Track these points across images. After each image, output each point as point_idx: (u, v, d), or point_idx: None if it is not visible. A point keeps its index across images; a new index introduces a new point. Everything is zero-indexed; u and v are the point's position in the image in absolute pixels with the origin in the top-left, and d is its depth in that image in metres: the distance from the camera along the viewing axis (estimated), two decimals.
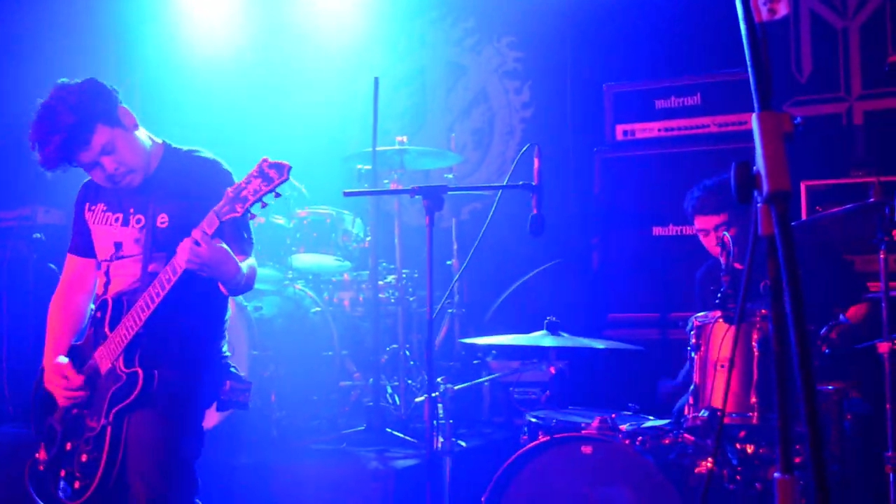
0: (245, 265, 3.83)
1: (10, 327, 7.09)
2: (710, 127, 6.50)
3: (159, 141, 4.07)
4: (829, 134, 7.01)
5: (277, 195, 3.58)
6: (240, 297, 5.61)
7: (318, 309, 6.53)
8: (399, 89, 8.81)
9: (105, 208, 4.02)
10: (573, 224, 7.24)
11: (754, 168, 1.71)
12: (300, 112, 8.60)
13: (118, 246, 3.95)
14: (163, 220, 3.88)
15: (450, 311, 6.81)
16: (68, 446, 3.93)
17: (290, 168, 3.56)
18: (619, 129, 6.78)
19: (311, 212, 6.61)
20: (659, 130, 6.65)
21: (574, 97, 7.89)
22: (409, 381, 6.32)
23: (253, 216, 3.70)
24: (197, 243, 3.55)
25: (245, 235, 3.98)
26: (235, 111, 8.60)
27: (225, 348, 4.10)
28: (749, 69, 1.72)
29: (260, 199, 3.54)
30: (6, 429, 6.32)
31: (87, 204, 4.10)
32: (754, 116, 1.70)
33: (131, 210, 3.94)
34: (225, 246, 3.64)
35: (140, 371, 3.75)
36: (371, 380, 6.15)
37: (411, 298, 6.54)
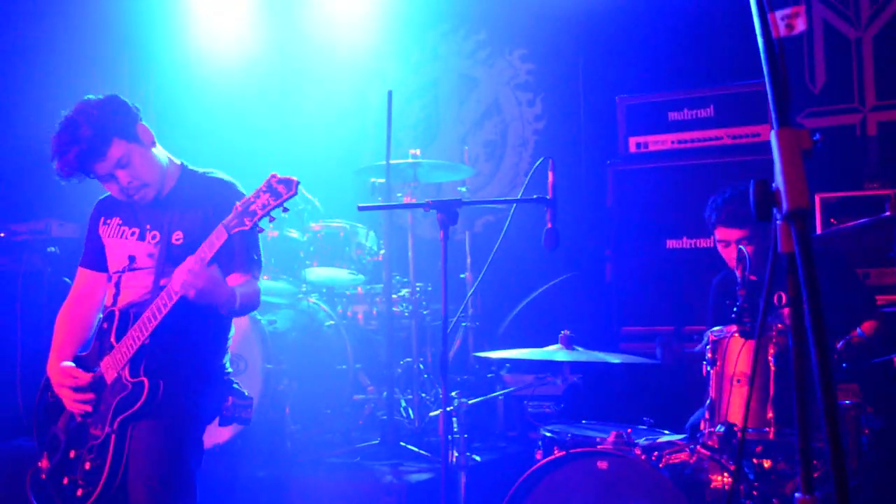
0: (244, 289, 3.91)
1: (25, 341, 7.09)
2: (724, 139, 6.49)
3: (178, 162, 4.17)
4: (843, 145, 6.99)
5: (285, 210, 3.66)
6: (254, 311, 5.63)
7: (332, 322, 6.53)
8: (412, 101, 8.82)
9: (121, 222, 4.13)
10: (586, 237, 7.22)
11: (773, 185, 1.70)
12: (313, 124, 8.62)
13: (132, 259, 4.05)
14: (178, 237, 3.97)
15: (464, 324, 6.79)
16: (72, 454, 3.97)
17: (298, 183, 3.64)
18: (632, 141, 6.77)
19: (324, 225, 6.62)
20: (672, 143, 6.64)
21: (587, 109, 7.88)
22: (423, 395, 6.31)
23: (261, 230, 3.74)
24: (192, 271, 3.62)
25: (255, 256, 4.06)
26: (248, 123, 8.62)
27: (228, 365, 4.17)
28: (767, 85, 1.71)
29: (268, 214, 3.62)
30: (21, 441, 6.33)
31: (103, 218, 4.20)
32: (773, 133, 1.69)
33: (148, 226, 4.05)
34: (219, 274, 3.72)
35: (146, 380, 3.81)
36: (385, 393, 6.14)
37: (425, 312, 6.53)
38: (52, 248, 7.25)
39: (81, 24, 8.38)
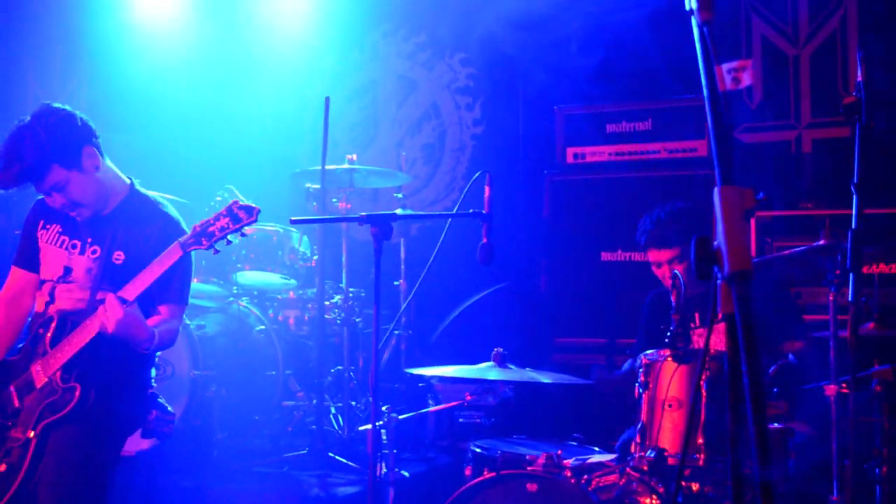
0: (166, 325, 3.98)
1: None
2: (661, 153, 6.49)
3: (126, 181, 4.20)
4: (778, 161, 7.04)
5: (243, 234, 3.83)
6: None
7: (263, 327, 6.43)
8: (350, 102, 8.72)
9: (61, 230, 4.13)
10: (522, 246, 7.20)
11: (715, 243, 1.66)
12: (249, 125, 8.51)
13: (67, 270, 4.05)
14: (118, 256, 4.01)
15: (396, 332, 6.74)
16: None
17: (259, 211, 3.80)
18: (570, 151, 6.75)
19: (257, 229, 6.50)
20: (609, 154, 6.63)
21: (526, 117, 7.87)
22: (354, 403, 6.25)
23: (217, 252, 3.84)
24: (114, 308, 3.67)
25: (184, 287, 4.12)
26: (183, 123, 8.49)
27: (153, 379, 4.19)
28: (710, 140, 1.67)
29: (225, 237, 3.79)
30: None
31: (42, 222, 4.19)
32: (716, 190, 1.65)
33: (89, 240, 4.07)
34: (139, 315, 3.78)
35: (78, 386, 3.82)
36: (315, 400, 6.06)
37: (357, 319, 6.47)
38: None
39: (17, 10, 8.23)
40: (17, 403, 3.91)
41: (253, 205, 3.79)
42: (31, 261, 4.20)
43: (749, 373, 1.65)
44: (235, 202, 3.79)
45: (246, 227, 3.79)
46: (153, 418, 4.05)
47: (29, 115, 3.94)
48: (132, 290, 3.74)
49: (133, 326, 3.73)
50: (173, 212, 4.20)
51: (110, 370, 3.91)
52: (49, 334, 3.92)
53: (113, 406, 3.91)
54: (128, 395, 4.00)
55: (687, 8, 1.79)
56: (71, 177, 3.91)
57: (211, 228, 3.77)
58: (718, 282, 1.65)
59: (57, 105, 3.98)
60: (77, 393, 3.80)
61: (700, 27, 1.73)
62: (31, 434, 3.80)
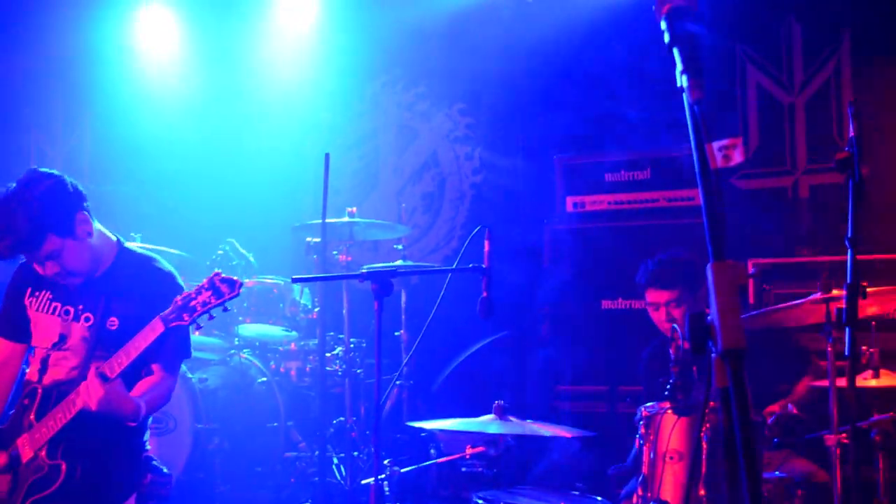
0: (155, 391, 3.90)
1: None
2: (660, 201, 6.52)
3: (114, 239, 4.11)
4: (775, 207, 7.09)
5: (226, 310, 3.69)
6: (184, 368, 5.56)
7: (265, 379, 6.46)
8: (351, 151, 8.79)
9: (51, 297, 4.04)
10: (522, 295, 7.22)
11: (708, 318, 1.70)
12: (249, 178, 8.56)
13: (62, 338, 3.97)
14: (112, 322, 3.93)
15: (398, 382, 6.75)
16: None
17: (241, 284, 3.68)
18: (570, 200, 6.78)
19: (258, 282, 6.57)
20: (609, 203, 6.66)
21: (525, 166, 7.92)
22: (356, 454, 6.25)
23: (199, 327, 3.74)
24: (95, 386, 3.58)
25: (182, 351, 4.06)
26: (184, 176, 8.56)
27: (147, 443, 4.12)
28: (703, 217, 1.71)
29: (208, 311, 3.64)
30: None
31: (30, 289, 4.10)
32: (708, 267, 1.69)
33: (80, 306, 3.98)
34: (122, 391, 3.68)
35: (63, 464, 3.75)
36: (317, 451, 6.07)
37: (359, 370, 6.49)
38: None
39: (20, 61, 8.31)
40: (9, 472, 3.84)
41: (235, 278, 3.69)
42: (16, 330, 4.13)
43: (744, 443, 1.68)
44: (217, 274, 3.68)
45: (227, 302, 3.67)
46: (148, 482, 3.98)
47: (14, 182, 3.84)
48: (115, 366, 3.65)
49: (116, 402, 3.63)
50: (166, 265, 4.13)
51: (98, 441, 3.83)
52: (34, 407, 3.86)
53: (103, 477, 3.85)
54: (119, 462, 3.93)
55: (678, 85, 1.83)
56: (66, 244, 3.83)
57: (193, 303, 3.64)
58: (713, 356, 1.68)
59: (44, 170, 3.89)
60: (63, 469, 3.73)
61: (691, 106, 1.77)
62: None
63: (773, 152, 7.21)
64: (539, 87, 7.76)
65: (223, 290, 3.64)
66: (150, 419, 4.14)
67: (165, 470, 4.08)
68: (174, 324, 3.64)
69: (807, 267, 5.90)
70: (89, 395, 3.58)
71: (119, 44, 8.84)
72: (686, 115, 1.79)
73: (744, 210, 7.00)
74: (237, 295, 3.67)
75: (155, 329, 3.65)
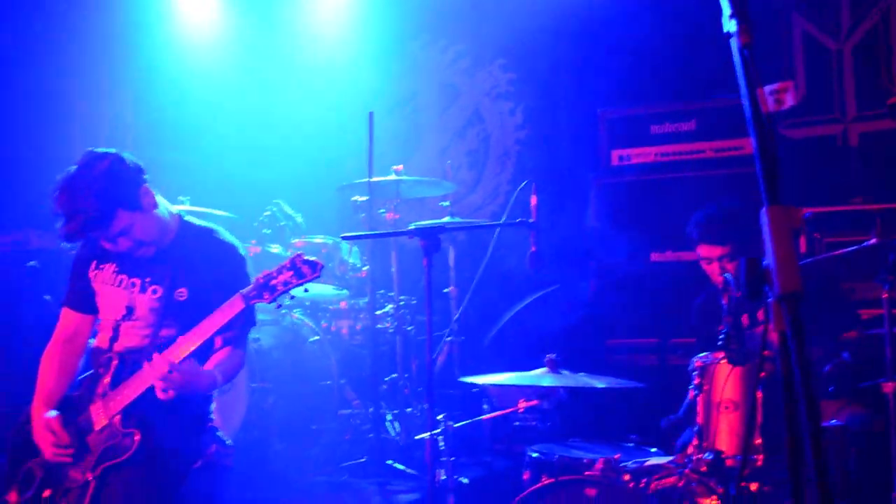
0: (227, 363, 3.98)
1: (4, 359, 7.02)
2: (707, 152, 6.49)
3: (175, 212, 4.15)
4: (824, 156, 7.01)
5: (306, 290, 3.77)
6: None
7: (317, 338, 6.52)
8: (393, 111, 8.79)
9: (117, 270, 4.09)
10: (570, 250, 7.21)
11: (764, 262, 1.70)
12: (295, 139, 8.60)
13: (130, 310, 4.03)
14: (181, 293, 3.98)
15: (448, 338, 6.78)
16: (46, 493, 3.93)
17: (323, 266, 3.75)
18: (615, 154, 6.76)
19: (306, 241, 6.61)
20: (655, 156, 6.63)
21: (569, 120, 7.88)
22: (409, 410, 6.31)
23: (279, 306, 3.85)
24: (170, 371, 3.66)
25: (249, 330, 4.15)
26: (229, 140, 8.61)
27: (213, 413, 4.19)
28: (756, 162, 1.71)
29: (288, 291, 3.73)
30: None
31: (94, 262, 4.14)
32: (763, 211, 1.69)
33: (148, 279, 4.03)
34: (195, 368, 3.76)
35: (137, 432, 3.81)
36: (371, 409, 6.13)
37: (409, 328, 6.52)
38: (33, 263, 7.16)
39: (63, 31, 8.36)
40: (74, 445, 3.90)
41: (318, 260, 3.74)
42: (83, 302, 4.18)
43: (804, 388, 1.68)
44: (299, 256, 3.74)
45: (308, 283, 3.74)
46: (213, 452, 4.06)
47: (74, 164, 3.87)
48: (188, 345, 3.74)
49: (186, 385, 3.71)
50: (228, 236, 4.17)
51: (170, 410, 3.86)
52: (109, 375, 3.93)
53: (173, 446, 3.91)
54: (188, 432, 4.00)
55: (725, 31, 1.82)
56: (135, 218, 3.87)
57: (273, 282, 3.71)
58: (769, 300, 1.69)
59: (101, 150, 3.93)
60: (137, 439, 3.78)
61: (740, 50, 1.77)
62: (90, 476, 3.80)
63: (821, 100, 7.13)
64: (582, 40, 7.70)
65: (304, 270, 3.72)
66: (216, 390, 4.21)
67: (229, 442, 4.17)
68: (254, 301, 3.73)
69: (858, 215, 5.85)
70: (156, 381, 3.68)
71: (162, 9, 8.87)
72: (735, 59, 1.78)
73: (793, 159, 6.93)
74: (319, 276, 3.74)
75: (234, 306, 3.73)
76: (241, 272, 4.02)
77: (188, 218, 4.20)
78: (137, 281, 4.04)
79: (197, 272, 4.00)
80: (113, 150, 3.95)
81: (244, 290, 3.74)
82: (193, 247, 4.07)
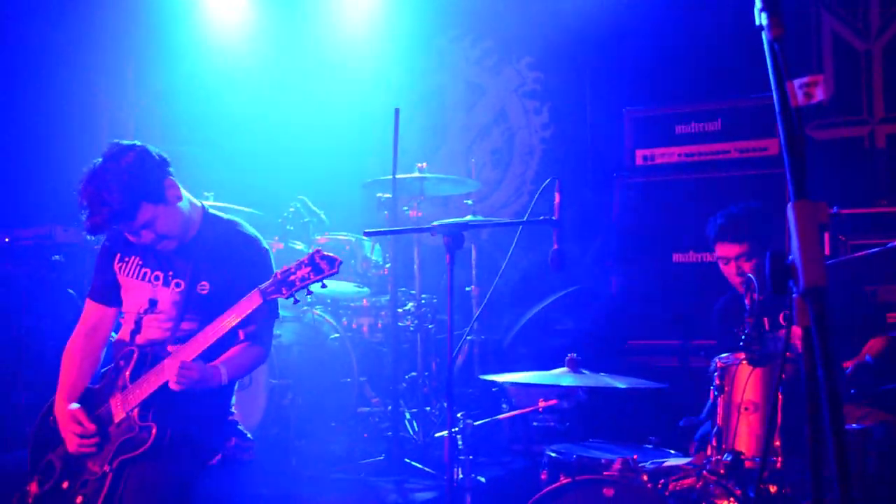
0: (238, 360, 3.99)
1: (28, 349, 7.05)
2: (731, 153, 6.44)
3: (199, 205, 4.16)
4: (851, 158, 6.96)
5: (324, 286, 3.78)
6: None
7: (337, 335, 6.51)
8: (418, 108, 8.78)
9: (141, 263, 4.11)
10: (592, 249, 7.18)
11: (789, 258, 1.67)
12: (319, 136, 8.59)
13: (153, 303, 4.05)
14: (203, 287, 4.00)
15: (469, 337, 6.76)
16: (65, 485, 3.95)
17: (341, 262, 3.77)
18: (639, 153, 6.72)
19: (330, 238, 6.60)
20: (679, 156, 6.59)
21: (594, 120, 7.86)
22: (428, 409, 6.29)
23: (297, 301, 3.83)
24: (183, 368, 3.72)
25: (271, 326, 4.17)
26: (254, 135, 8.62)
27: (233, 406, 4.21)
28: (784, 156, 1.68)
29: (306, 287, 3.75)
30: (21, 453, 6.30)
31: (119, 255, 4.17)
32: (790, 206, 1.66)
33: (170, 272, 4.05)
34: (201, 367, 3.80)
35: (154, 426, 3.82)
36: (390, 407, 6.12)
37: (430, 326, 6.50)
38: (57, 257, 7.18)
39: (90, 27, 8.39)
40: (98, 436, 3.92)
41: (336, 256, 3.75)
42: (107, 295, 4.21)
43: (827, 384, 1.66)
44: (318, 252, 3.76)
45: (326, 279, 3.76)
46: (232, 445, 4.07)
47: (100, 157, 3.89)
48: (205, 341, 3.80)
49: (193, 382, 3.76)
50: (250, 230, 4.20)
51: (188, 404, 3.88)
52: (129, 368, 3.94)
53: (189, 440, 3.92)
54: (207, 425, 4.01)
55: (757, 24, 1.80)
56: (159, 211, 3.88)
57: (292, 277, 3.73)
58: (794, 296, 1.66)
59: (126, 142, 3.94)
60: (153, 432, 3.80)
61: (771, 44, 1.74)
62: (108, 468, 3.82)
63: (849, 101, 7.07)
64: (608, 39, 7.67)
65: (322, 266, 3.73)
66: (237, 384, 4.22)
67: (249, 436, 4.17)
68: (272, 297, 3.74)
69: (884, 217, 5.80)
70: (170, 377, 3.73)
71: (189, 6, 8.89)
72: (766, 52, 1.75)
73: (819, 161, 6.88)
74: (336, 272, 3.75)
75: (252, 301, 3.76)
76: (263, 266, 4.04)
77: (212, 211, 4.22)
78: (161, 274, 4.06)
79: (219, 266, 4.02)
80: (138, 143, 3.96)
81: (262, 286, 3.76)
82: (216, 240, 4.08)
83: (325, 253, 3.75)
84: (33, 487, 4.03)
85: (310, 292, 3.79)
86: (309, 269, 3.72)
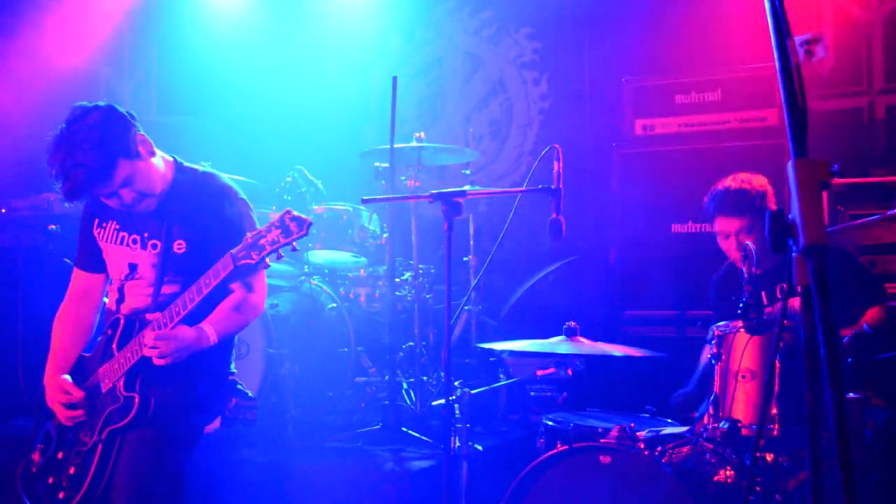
0: (230, 317, 3.92)
1: (26, 318, 7.05)
2: (731, 123, 6.42)
3: (170, 159, 4.05)
4: (850, 129, 6.93)
5: (294, 249, 3.64)
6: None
7: (334, 305, 6.50)
8: (416, 78, 8.75)
9: (118, 227, 4.02)
10: (591, 220, 7.17)
11: (789, 216, 1.66)
12: (316, 106, 8.56)
13: (133, 267, 3.98)
14: (180, 245, 3.92)
15: (466, 307, 6.75)
16: (59, 455, 3.95)
17: (310, 224, 3.63)
18: (639, 123, 6.69)
19: (327, 208, 6.57)
20: (679, 126, 6.57)
21: (592, 90, 7.83)
22: (425, 378, 6.29)
23: (267, 265, 3.74)
24: (159, 339, 3.67)
25: (260, 274, 4.04)
26: (251, 105, 8.58)
27: (233, 366, 4.15)
28: (785, 114, 1.67)
29: (276, 250, 3.61)
30: (19, 422, 6.31)
31: (97, 220, 4.09)
32: (790, 164, 1.65)
33: (146, 234, 3.96)
34: (183, 334, 3.73)
35: (137, 397, 3.78)
36: (387, 376, 6.11)
37: (428, 296, 6.49)
38: (54, 226, 7.16)
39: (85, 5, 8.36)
40: (86, 406, 3.90)
41: (305, 217, 3.62)
42: (91, 261, 4.13)
43: (826, 344, 1.64)
44: (288, 212, 3.63)
45: (295, 241, 3.61)
46: (233, 406, 4.04)
47: (63, 122, 3.73)
48: (180, 309, 3.71)
49: (176, 351, 3.70)
50: (226, 180, 4.07)
51: (181, 367, 3.80)
52: (117, 336, 3.89)
53: (179, 403, 3.88)
54: (203, 385, 3.95)
55: None
56: (136, 167, 3.77)
57: (262, 241, 3.58)
58: (794, 255, 1.65)
59: (88, 104, 3.78)
60: (136, 404, 3.75)
61: (772, 1, 1.72)
62: (97, 439, 3.80)
63: (849, 72, 7.04)
64: (608, 9, 7.63)
65: (292, 228, 3.58)
66: (236, 340, 4.17)
67: (251, 394, 4.12)
68: (242, 262, 3.61)
69: (882, 187, 5.79)
70: (149, 353, 3.68)
71: None
72: (766, 9, 1.73)
73: (818, 131, 6.84)
74: (305, 234, 3.61)
75: (226, 266, 3.64)
76: (238, 219, 3.91)
77: (186, 164, 4.09)
78: (137, 237, 3.97)
79: (194, 222, 3.92)
80: (101, 102, 3.81)
81: (233, 251, 3.63)
82: (189, 194, 3.96)
83: (295, 214, 3.61)
84: (37, 456, 4.04)
85: (280, 256, 3.65)
86: (279, 231, 3.58)
